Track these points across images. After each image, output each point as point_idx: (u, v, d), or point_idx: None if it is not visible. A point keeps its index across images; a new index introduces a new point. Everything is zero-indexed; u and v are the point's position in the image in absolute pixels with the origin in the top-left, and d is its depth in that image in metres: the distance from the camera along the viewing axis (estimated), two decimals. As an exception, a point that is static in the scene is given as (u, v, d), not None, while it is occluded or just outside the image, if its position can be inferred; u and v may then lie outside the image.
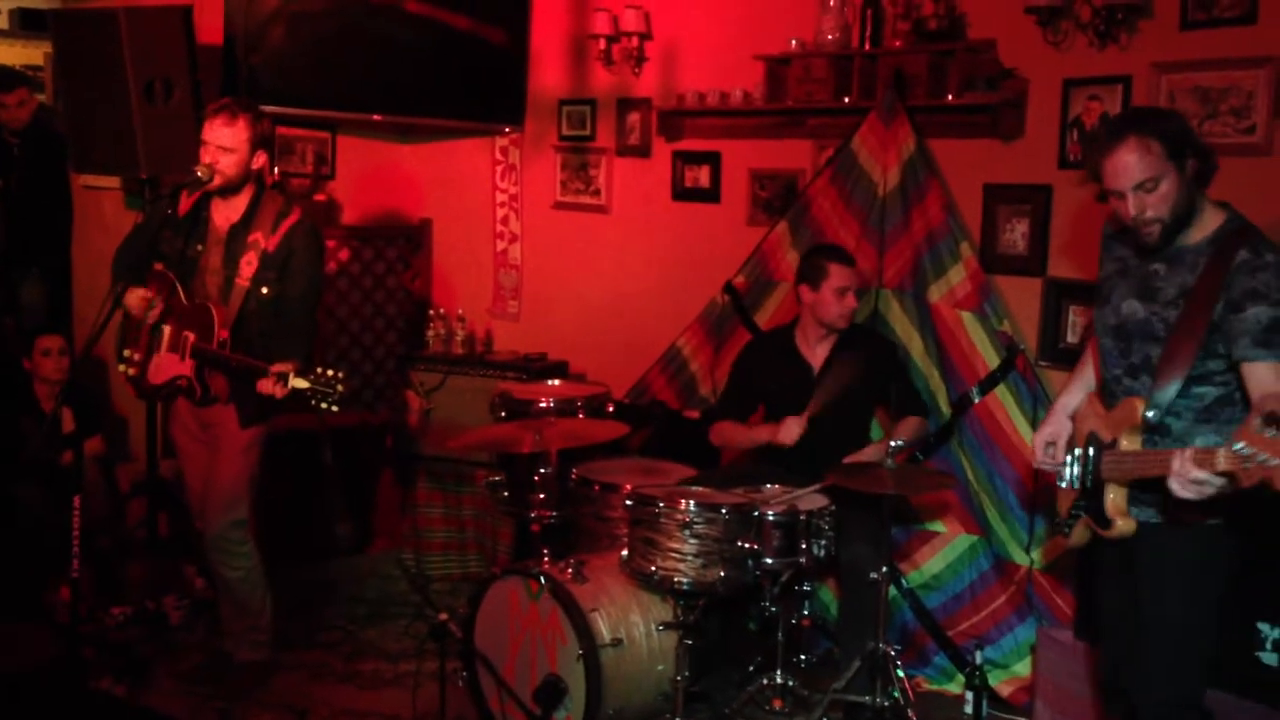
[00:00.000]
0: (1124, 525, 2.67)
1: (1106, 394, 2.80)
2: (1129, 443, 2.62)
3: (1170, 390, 2.57)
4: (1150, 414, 2.55)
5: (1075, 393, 2.97)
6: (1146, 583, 2.69)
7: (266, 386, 3.53)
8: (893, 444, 3.57)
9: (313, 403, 3.47)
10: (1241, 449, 2.18)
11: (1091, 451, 2.76)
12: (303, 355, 3.64)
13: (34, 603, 4.30)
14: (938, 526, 4.21)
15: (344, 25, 5.27)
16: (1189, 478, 2.33)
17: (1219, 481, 2.30)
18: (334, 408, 3.48)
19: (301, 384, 3.47)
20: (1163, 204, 2.59)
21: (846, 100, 4.53)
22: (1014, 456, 4.04)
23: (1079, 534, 2.85)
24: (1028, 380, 4.06)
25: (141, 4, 4.92)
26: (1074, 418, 2.91)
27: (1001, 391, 4.08)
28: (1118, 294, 2.75)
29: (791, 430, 3.92)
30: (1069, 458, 2.86)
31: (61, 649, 3.70)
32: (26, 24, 7.84)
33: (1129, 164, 2.58)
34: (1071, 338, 4.10)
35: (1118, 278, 2.77)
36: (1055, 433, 2.93)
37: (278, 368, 3.52)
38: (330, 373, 3.47)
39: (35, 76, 7.23)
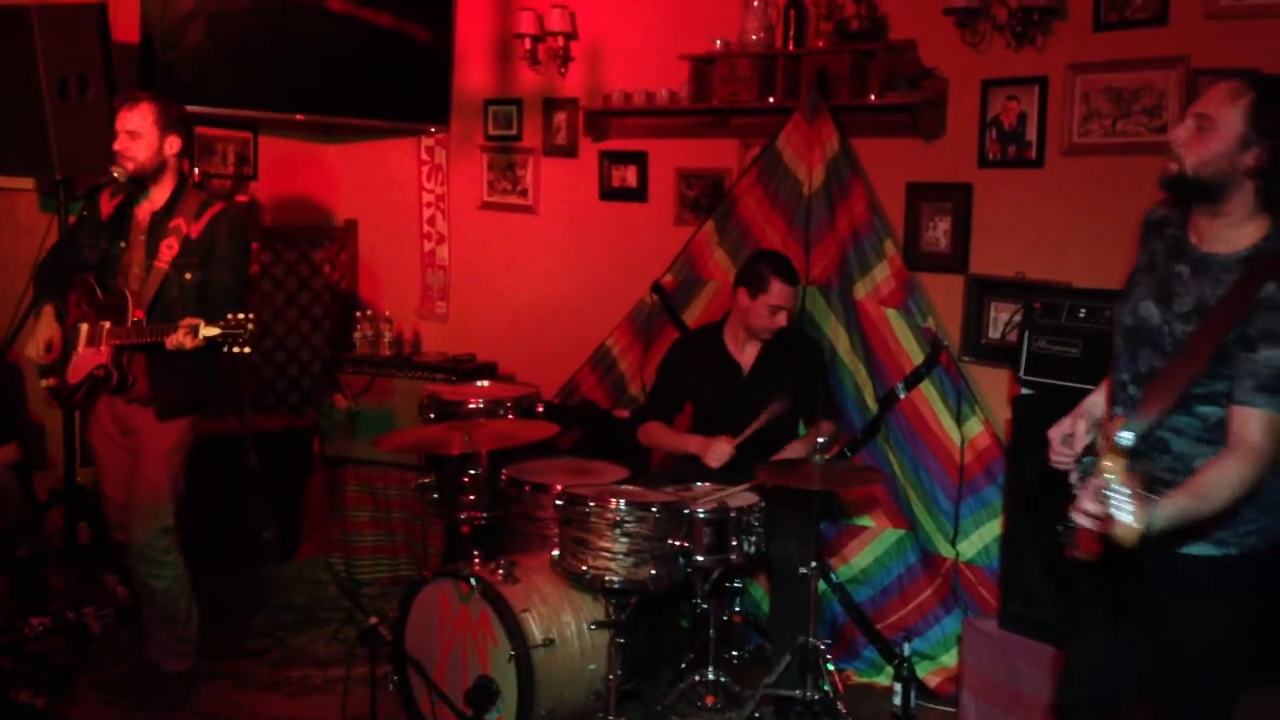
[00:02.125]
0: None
1: (1114, 398, 2.59)
2: (1111, 462, 2.27)
3: (1152, 417, 2.39)
4: (1123, 436, 2.24)
5: (1104, 390, 2.72)
6: (1168, 613, 2.51)
7: (177, 338, 3.46)
8: (819, 440, 3.61)
9: (225, 348, 3.42)
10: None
11: (1086, 461, 2.61)
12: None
13: (-52, 616, 4.18)
14: (866, 521, 4.27)
15: (264, 23, 5.20)
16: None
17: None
18: (246, 349, 3.42)
19: (212, 331, 3.41)
20: (1194, 153, 2.39)
21: (771, 100, 4.58)
22: (939, 450, 4.11)
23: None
24: (951, 375, 4.13)
25: (55, 1, 4.80)
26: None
27: (926, 387, 4.15)
28: (1139, 292, 2.55)
29: (720, 453, 3.91)
30: (1082, 460, 2.65)
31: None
32: (-67, 20, 7.62)
33: (1209, 95, 2.41)
34: (993, 333, 4.18)
35: (1143, 274, 2.57)
36: (1070, 428, 2.67)
37: (187, 321, 3.46)
38: (240, 316, 3.42)
39: (-58, 74, 7.01)
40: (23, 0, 4.83)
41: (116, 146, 3.65)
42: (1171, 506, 2.23)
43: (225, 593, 4.63)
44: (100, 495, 4.03)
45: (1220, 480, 2.30)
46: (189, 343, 3.44)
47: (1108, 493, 2.10)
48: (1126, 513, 2.09)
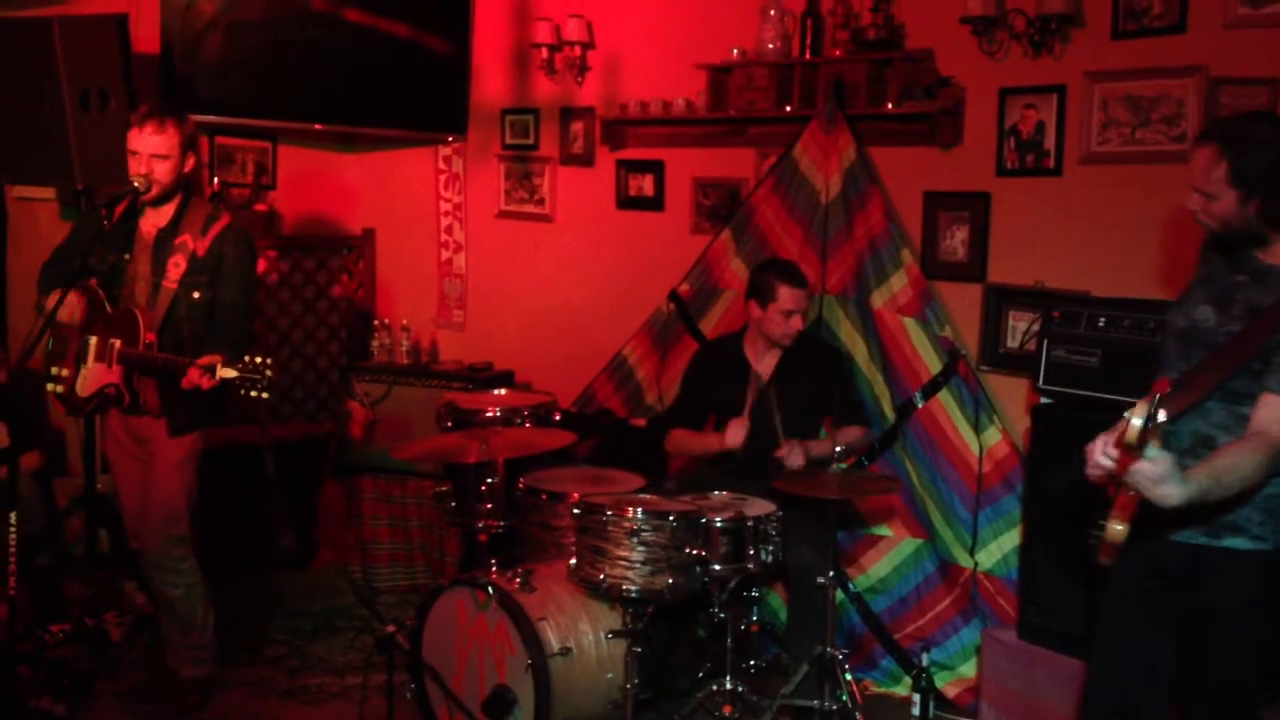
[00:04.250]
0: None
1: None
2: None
3: (1185, 404, 2.45)
4: (1134, 422, 2.20)
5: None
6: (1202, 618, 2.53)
7: (193, 378, 3.46)
8: (838, 448, 3.61)
9: (242, 391, 3.42)
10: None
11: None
12: (233, 354, 3.57)
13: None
14: (883, 530, 4.26)
15: (283, 34, 5.23)
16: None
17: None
18: (264, 394, 3.42)
19: (229, 373, 3.42)
20: (1213, 218, 2.53)
21: (788, 109, 4.58)
22: (957, 460, 4.10)
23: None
24: (969, 385, 4.12)
25: (76, 13, 4.85)
26: None
27: (944, 396, 4.14)
28: (1194, 299, 2.63)
29: (737, 433, 3.94)
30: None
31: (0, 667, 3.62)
32: (-44, 32, 7.69)
33: (1194, 166, 2.54)
34: (1012, 342, 4.17)
35: (1200, 285, 2.65)
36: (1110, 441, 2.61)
37: (204, 360, 3.46)
38: (259, 360, 3.42)
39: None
40: (45, 11, 4.89)
41: (143, 170, 3.63)
42: (1194, 482, 2.27)
43: (243, 599, 4.65)
44: (119, 503, 4.05)
45: (1236, 464, 2.36)
46: (205, 383, 3.44)
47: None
48: (1136, 416, 2.14)
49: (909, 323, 4.23)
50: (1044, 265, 4.10)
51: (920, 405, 4.18)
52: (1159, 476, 2.21)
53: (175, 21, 4.99)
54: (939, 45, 4.29)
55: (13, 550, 3.39)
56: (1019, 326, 4.14)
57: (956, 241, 4.31)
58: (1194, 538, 2.53)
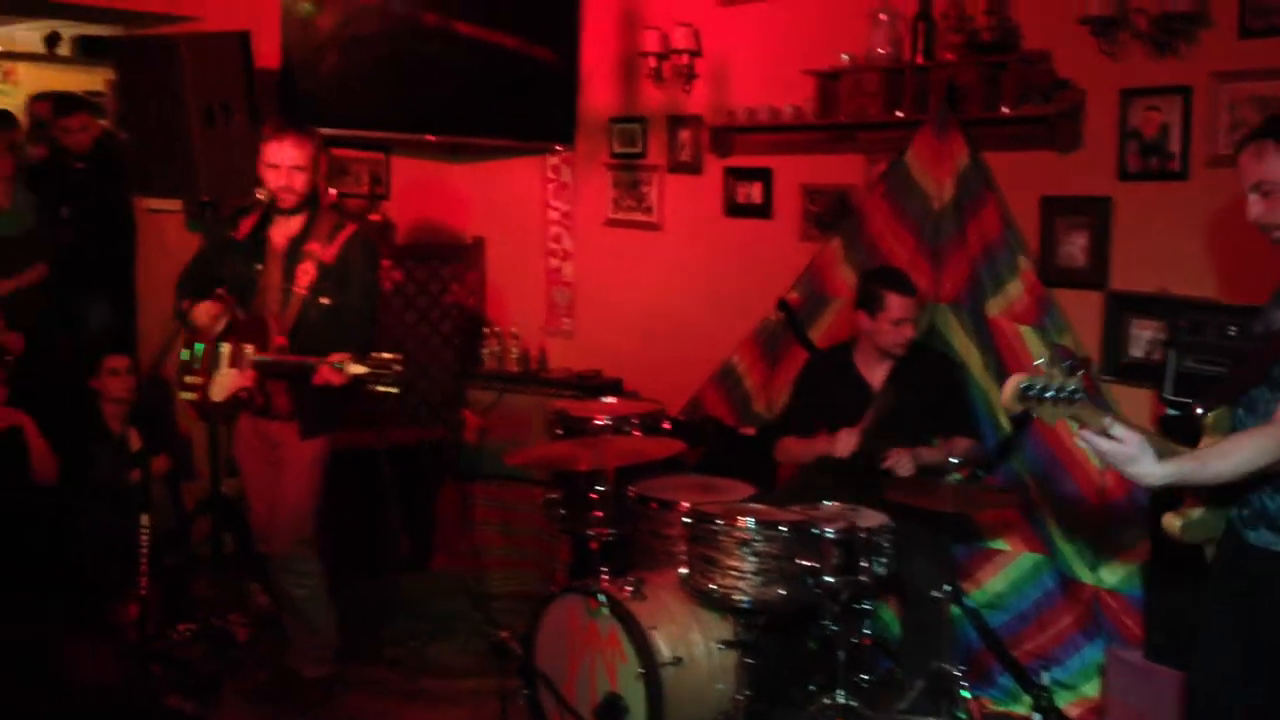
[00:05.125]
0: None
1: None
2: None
3: (1230, 394, 2.46)
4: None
5: None
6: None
7: (325, 375, 3.56)
8: (952, 459, 3.55)
9: (370, 386, 3.50)
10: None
11: None
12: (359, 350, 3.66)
13: (103, 620, 4.37)
14: (1000, 544, 4.17)
15: (397, 48, 5.34)
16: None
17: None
18: (393, 389, 3.49)
19: (359, 369, 3.50)
20: (1278, 218, 2.44)
21: (899, 114, 4.52)
22: (1078, 472, 3.99)
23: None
24: (1091, 395, 4.00)
25: (201, 30, 5.02)
26: None
27: (1064, 407, 4.04)
28: (1273, 304, 2.58)
29: (847, 442, 3.91)
30: None
31: (131, 666, 3.76)
32: (89, 51, 8.03)
33: (1246, 159, 2.47)
34: (1135, 351, 4.05)
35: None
36: None
37: (334, 357, 3.55)
38: (387, 355, 3.50)
39: (97, 102, 7.39)
40: (172, 30, 5.07)
41: (283, 181, 3.75)
42: (1174, 465, 2.26)
43: (360, 602, 4.74)
44: (246, 506, 4.18)
45: (1233, 448, 2.34)
46: (336, 380, 3.53)
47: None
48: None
49: (1026, 331, 4.14)
50: (1169, 271, 3.98)
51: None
52: (1127, 456, 2.24)
53: (295, 38, 5.13)
54: (1056, 46, 4.19)
55: (145, 552, 3.53)
56: (1143, 335, 4.02)
57: (1076, 247, 4.21)
58: (1274, 544, 2.46)
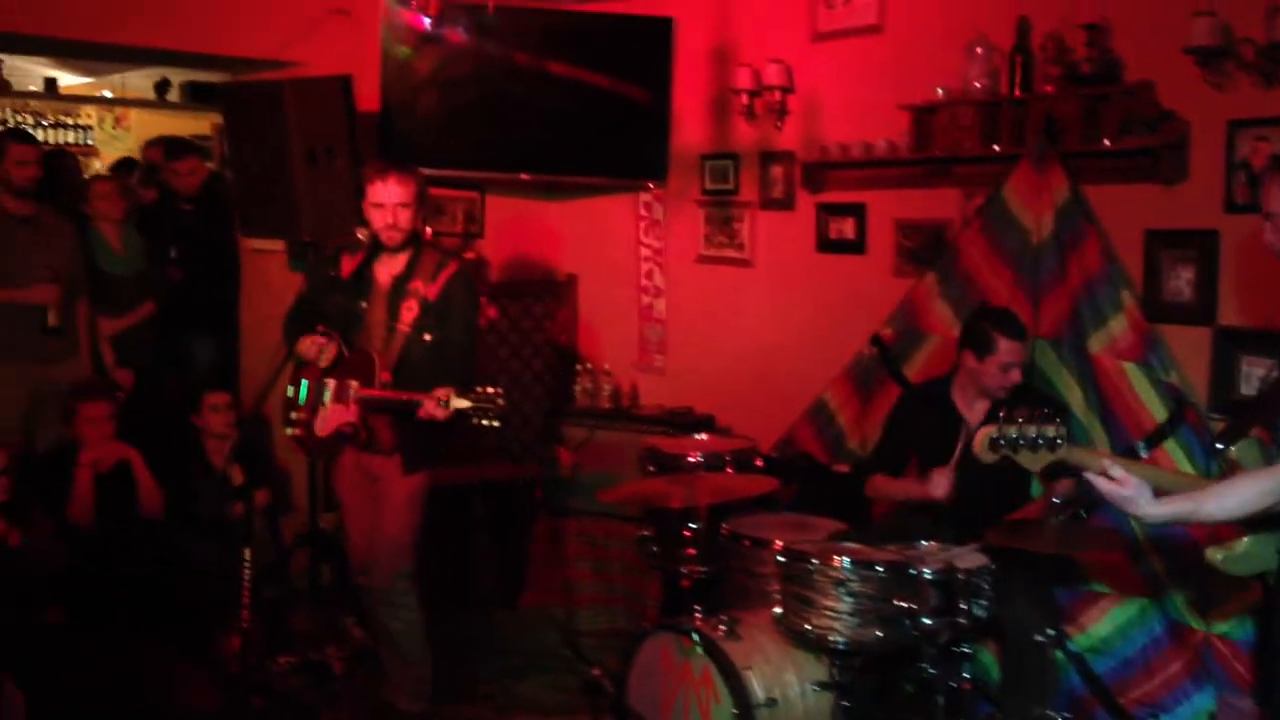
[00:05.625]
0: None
1: None
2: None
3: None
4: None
5: None
6: None
7: (429, 409, 3.60)
8: (1055, 500, 3.46)
9: (473, 420, 3.53)
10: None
11: None
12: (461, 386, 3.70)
13: (206, 651, 4.46)
14: (1104, 588, 4.05)
15: (491, 89, 5.43)
16: None
17: None
18: (496, 423, 3.52)
19: (463, 403, 3.54)
20: None
21: (996, 148, 4.46)
22: (1185, 513, 3.87)
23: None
24: (1199, 434, 3.88)
25: (305, 75, 5.17)
26: None
27: (1171, 446, 3.91)
28: None
29: (940, 483, 3.83)
30: None
31: (232, 697, 3.83)
32: (196, 96, 8.33)
33: (1270, 187, 2.50)
34: (1246, 389, 3.92)
35: None
36: None
37: (438, 392, 3.60)
38: (490, 389, 3.53)
39: (205, 146, 7.64)
40: (277, 75, 5.23)
41: (389, 220, 3.82)
42: (1172, 506, 2.35)
43: (451, 637, 4.77)
44: (345, 539, 4.24)
45: (1230, 490, 2.35)
46: (440, 414, 3.58)
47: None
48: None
49: (1130, 368, 4.03)
50: (1280, 306, 3.85)
51: (1144, 456, 3.96)
52: (1124, 497, 2.35)
53: (394, 81, 5.26)
54: (1160, 77, 4.10)
55: (247, 585, 3.60)
56: (1254, 372, 3.88)
57: (1182, 282, 4.09)
58: None
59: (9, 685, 1.57)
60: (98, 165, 8.14)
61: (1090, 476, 2.34)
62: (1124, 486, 2.32)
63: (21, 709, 3.13)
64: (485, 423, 3.52)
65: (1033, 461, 2.28)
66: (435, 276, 3.90)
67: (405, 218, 3.84)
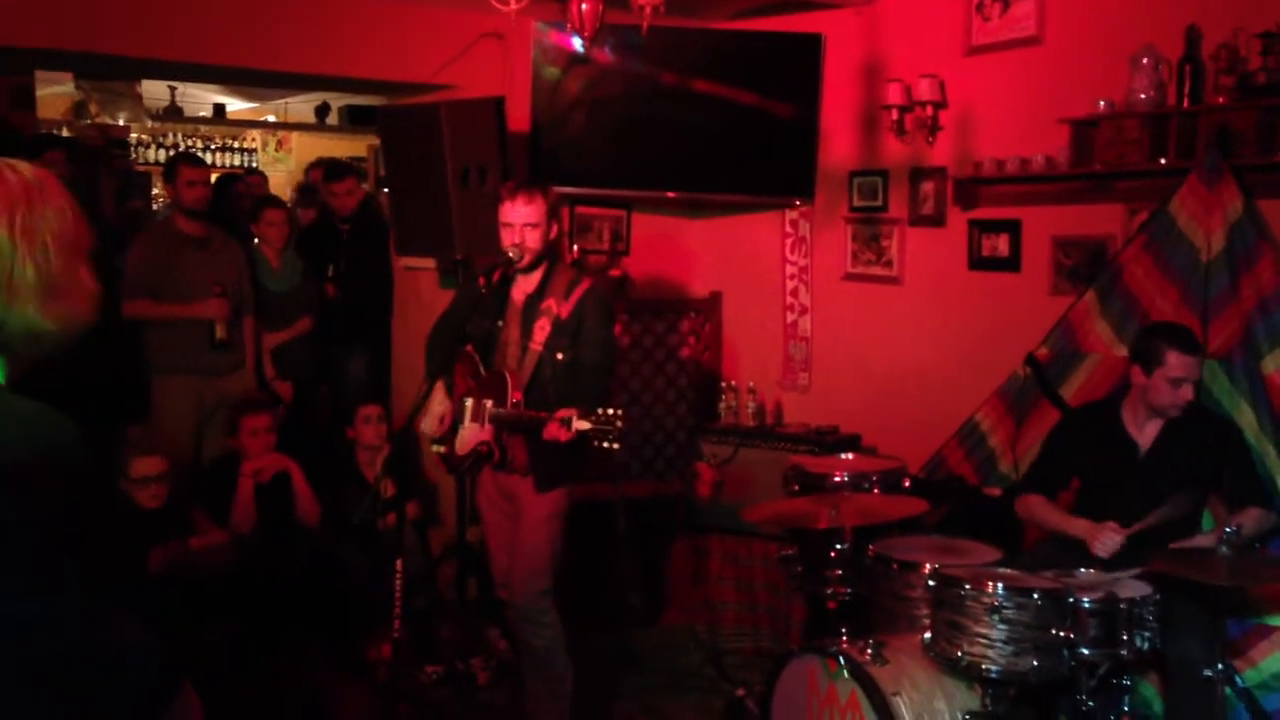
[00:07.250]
0: None
1: None
2: None
3: None
4: None
5: None
6: None
7: (551, 430, 3.62)
8: (1228, 529, 3.28)
9: (595, 443, 3.53)
10: None
11: None
12: (589, 409, 3.67)
13: (358, 659, 4.57)
14: (1277, 621, 3.82)
15: (638, 108, 5.47)
16: None
17: None
18: (615, 445, 3.51)
19: (584, 425, 3.53)
20: None
21: (1163, 161, 4.28)
22: (1369, 546, 3.64)
23: None
24: None
25: (458, 97, 5.29)
26: None
27: (1352, 473, 3.69)
28: None
29: (1109, 543, 3.66)
30: None
31: (382, 704, 3.91)
32: (354, 119, 8.64)
33: None
34: None
35: None
36: None
37: (562, 413, 3.60)
38: (610, 411, 3.52)
39: (361, 167, 7.91)
40: (432, 98, 5.37)
41: (516, 239, 3.85)
42: None
43: (594, 654, 4.79)
44: (488, 554, 4.30)
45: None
46: (563, 436, 3.59)
47: None
48: None
49: (1309, 391, 3.81)
50: None
51: (1322, 482, 3.75)
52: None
53: (544, 101, 5.35)
54: (1342, 85, 3.89)
55: (398, 595, 3.67)
56: None
57: (1366, 301, 3.86)
58: None
59: (191, 693, 1.62)
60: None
61: None
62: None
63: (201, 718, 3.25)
64: (605, 444, 3.51)
65: None
66: (568, 295, 3.91)
67: (533, 237, 3.84)
